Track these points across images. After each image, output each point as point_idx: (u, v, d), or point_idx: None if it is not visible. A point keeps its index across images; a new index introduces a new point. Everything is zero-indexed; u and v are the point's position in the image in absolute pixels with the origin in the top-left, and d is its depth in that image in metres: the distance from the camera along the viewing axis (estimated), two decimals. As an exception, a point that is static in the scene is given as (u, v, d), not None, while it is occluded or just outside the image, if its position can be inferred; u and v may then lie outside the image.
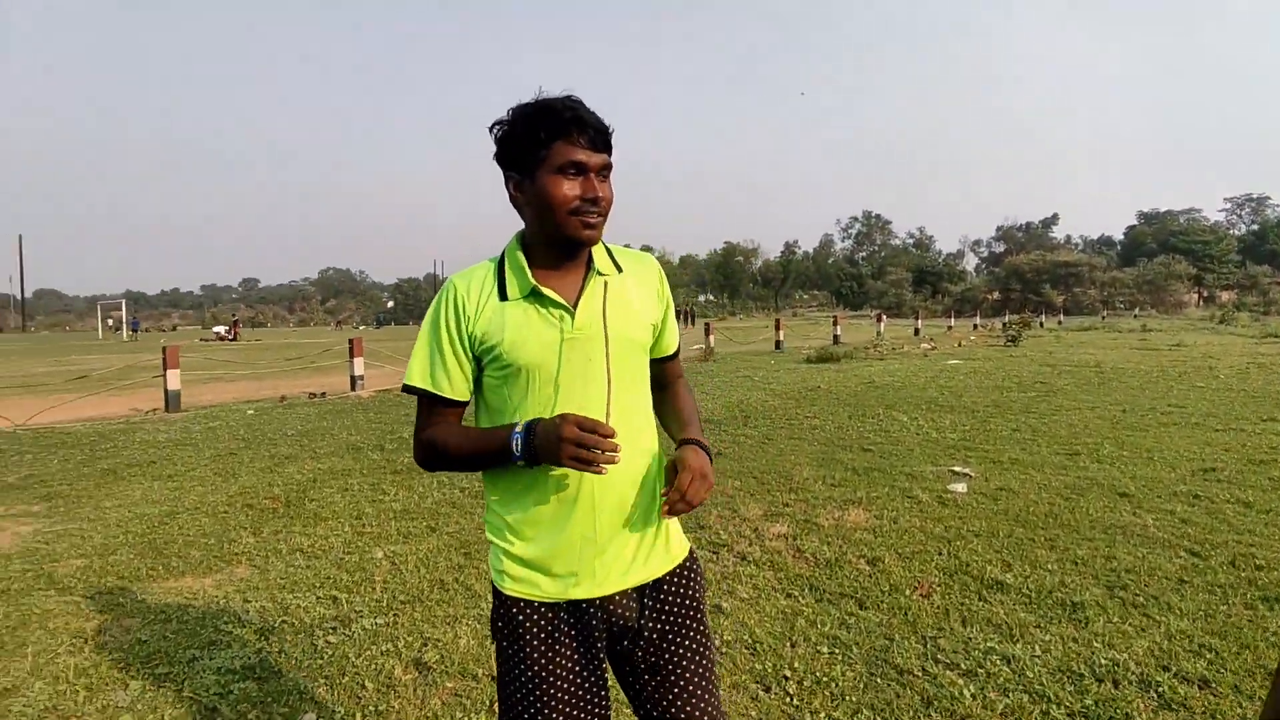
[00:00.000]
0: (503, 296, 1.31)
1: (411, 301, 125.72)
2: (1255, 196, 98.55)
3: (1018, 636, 2.91)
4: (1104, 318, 47.23)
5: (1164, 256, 67.85)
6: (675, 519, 1.42)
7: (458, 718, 2.46)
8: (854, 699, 2.50)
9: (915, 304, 61.76)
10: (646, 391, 1.42)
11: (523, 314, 1.30)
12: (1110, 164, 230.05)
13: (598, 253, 1.36)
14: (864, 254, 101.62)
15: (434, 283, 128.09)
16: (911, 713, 2.42)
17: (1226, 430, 7.17)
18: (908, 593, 3.36)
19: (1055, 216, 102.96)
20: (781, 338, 20.09)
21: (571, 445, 1.19)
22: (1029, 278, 64.83)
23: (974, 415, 8.29)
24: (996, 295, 65.89)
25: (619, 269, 1.39)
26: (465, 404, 1.37)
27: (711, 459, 1.36)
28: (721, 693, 1.80)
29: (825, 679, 2.63)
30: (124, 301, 58.41)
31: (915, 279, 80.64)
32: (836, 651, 2.83)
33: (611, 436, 1.21)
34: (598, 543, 1.31)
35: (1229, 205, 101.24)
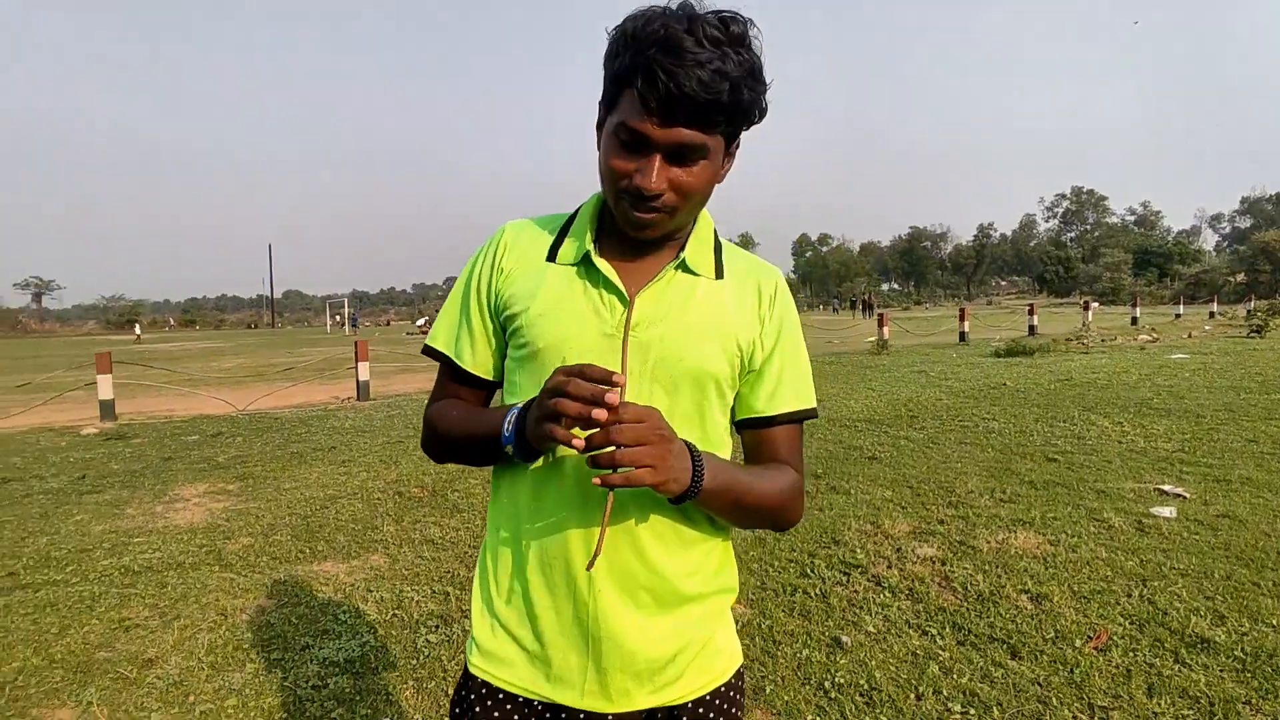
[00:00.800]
0: (550, 257, 0.99)
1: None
2: None
3: (1219, 714, 2.27)
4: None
5: None
6: (729, 618, 1.05)
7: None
8: (984, 779, 2.04)
9: (1136, 289, 54.39)
10: (709, 441, 0.99)
11: (565, 284, 0.97)
12: None
13: (697, 243, 1.00)
14: (1073, 234, 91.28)
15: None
16: (1060, 807, 1.93)
17: None
18: (1078, 644, 2.76)
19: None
20: (967, 329, 18.37)
21: (545, 401, 0.81)
22: (1285, 256, 54.68)
23: (1198, 421, 6.97)
24: (1241, 278, 56.31)
25: (719, 274, 1.01)
26: (489, 386, 1.06)
27: (702, 474, 0.87)
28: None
29: (951, 747, 2.18)
30: (346, 300, 66.12)
31: (1137, 261, 70.97)
32: (972, 712, 2.36)
33: (611, 383, 0.79)
34: (596, 632, 0.93)
35: None
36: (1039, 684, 2.51)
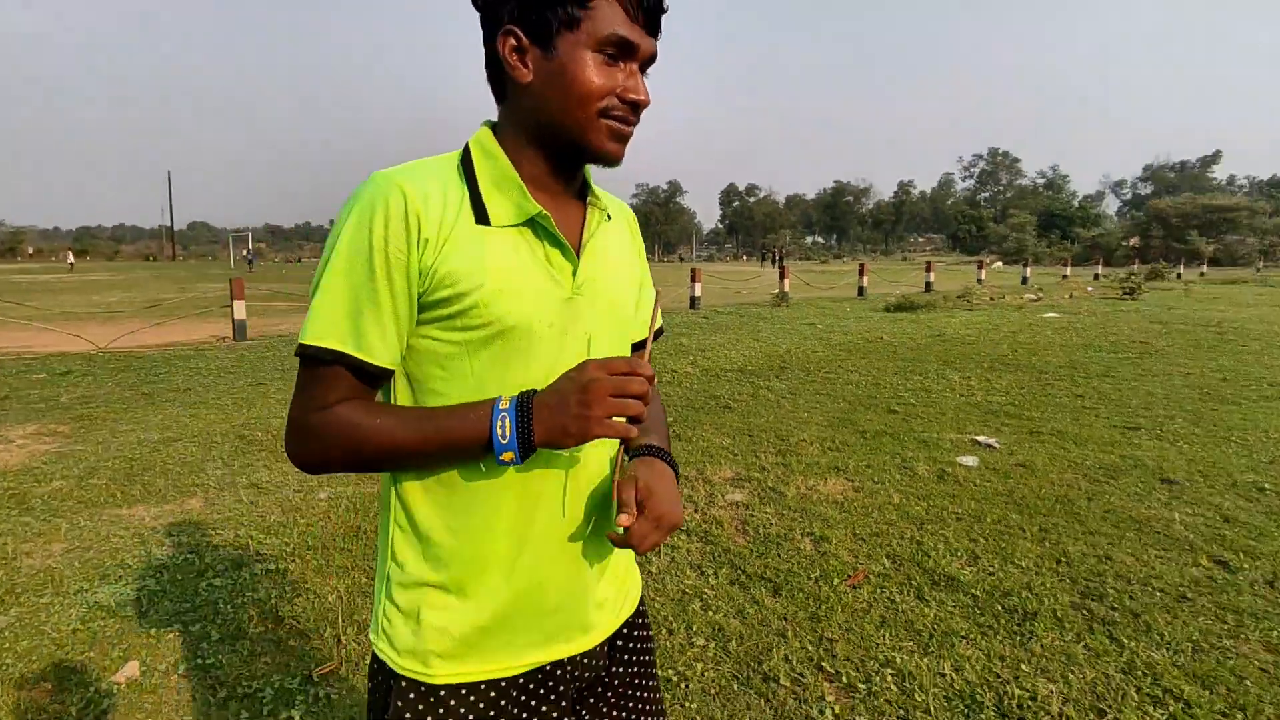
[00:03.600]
0: (480, 219, 0.87)
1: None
2: None
3: (933, 648, 2.48)
4: (1259, 270, 41.94)
5: (1347, 201, 59.16)
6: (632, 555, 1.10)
7: (274, 681, 2.33)
8: (694, 705, 2.18)
9: (1036, 250, 57.11)
10: None
11: (512, 250, 0.88)
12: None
13: (590, 183, 0.99)
14: (987, 195, 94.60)
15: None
16: (754, 731, 2.09)
17: (1345, 409, 6.07)
18: (836, 582, 2.96)
19: (1217, 154, 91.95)
20: (865, 284, 18.94)
21: (606, 399, 0.82)
22: (1174, 223, 58.20)
23: (1039, 377, 7.45)
24: (1134, 243, 59.83)
25: (606, 208, 1.00)
26: (388, 379, 0.91)
27: (678, 476, 1.00)
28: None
29: (679, 679, 2.32)
30: (249, 235, 62.90)
31: (1043, 222, 74.32)
32: (712, 645, 2.51)
33: (649, 376, 0.84)
34: (583, 580, 0.96)
35: None
36: (785, 619, 2.68)
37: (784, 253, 53.65)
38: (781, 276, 16.90)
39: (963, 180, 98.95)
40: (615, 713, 1.04)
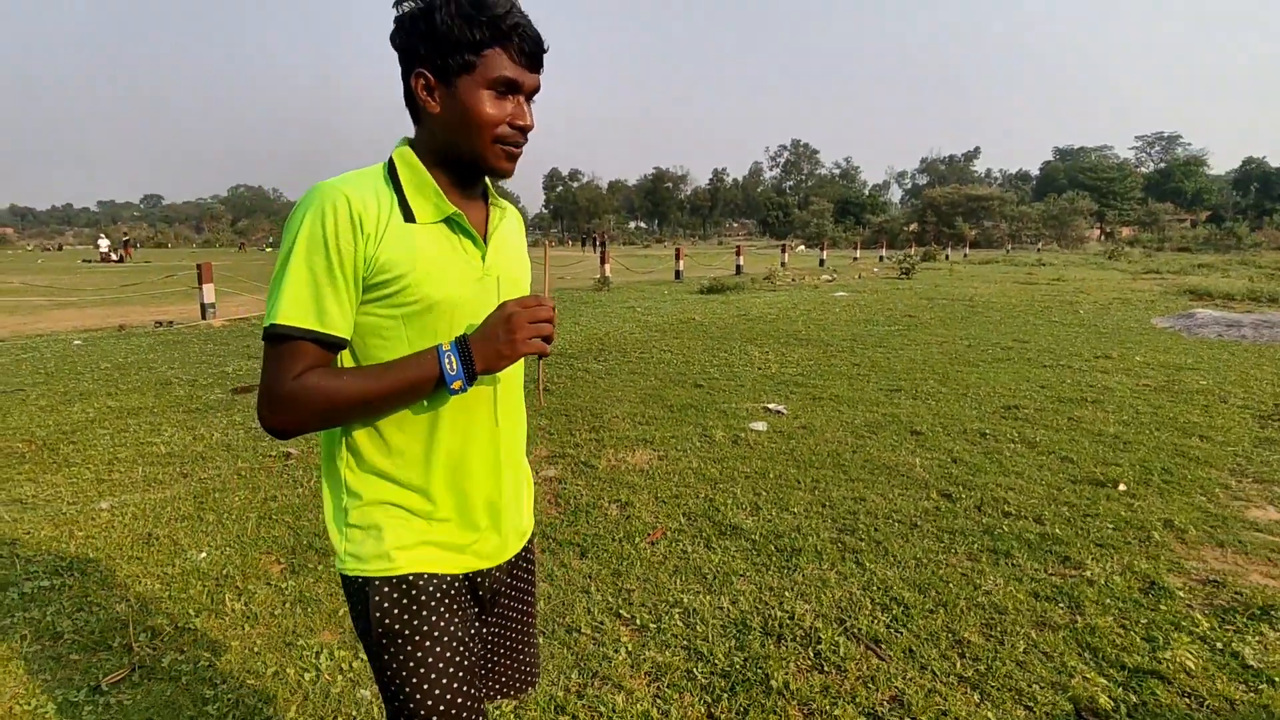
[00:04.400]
0: (408, 218, 1.08)
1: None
2: (1166, 135, 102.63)
3: (716, 587, 2.85)
4: (1008, 251, 48.84)
5: (1070, 192, 70.27)
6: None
7: (55, 696, 2.22)
8: (503, 662, 2.37)
9: (834, 235, 62.55)
10: None
11: (434, 242, 1.10)
12: (1030, 99, 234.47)
13: (488, 184, 1.22)
14: (791, 183, 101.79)
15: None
16: (556, 674, 2.31)
17: (1054, 367, 7.39)
18: (638, 541, 3.26)
19: (977, 150, 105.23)
20: (681, 267, 19.90)
21: (526, 324, 1.07)
22: (944, 210, 66.18)
23: (826, 349, 8.34)
24: (913, 228, 67.23)
25: (505, 207, 1.25)
26: (342, 349, 1.08)
27: None
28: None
29: (490, 640, 2.49)
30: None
31: (839, 209, 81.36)
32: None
33: (551, 306, 1.11)
34: (503, 506, 1.20)
35: (1140, 143, 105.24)
36: (589, 577, 2.94)
37: (606, 237, 54.55)
38: (602, 261, 17.32)
39: (770, 169, 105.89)
40: (503, 622, 1.30)
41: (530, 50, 1.08)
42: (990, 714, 2.12)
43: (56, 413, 5.61)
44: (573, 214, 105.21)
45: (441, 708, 1.11)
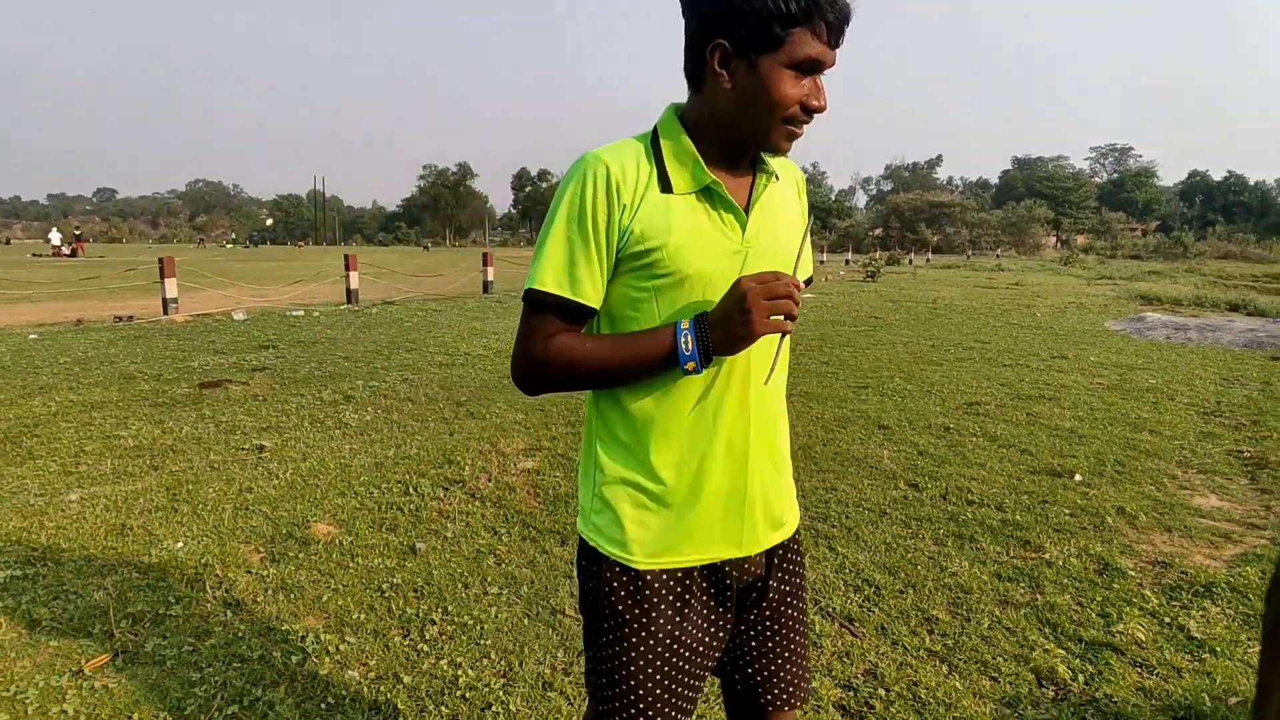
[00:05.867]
0: (665, 188, 1.05)
1: (293, 220, 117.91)
2: (1119, 147, 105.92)
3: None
4: (969, 256, 50.01)
5: (1028, 200, 72.23)
6: (793, 486, 1.29)
7: (36, 681, 2.21)
8: (489, 641, 2.42)
9: (802, 239, 63.25)
10: None
11: (691, 213, 1.06)
12: (990, 110, 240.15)
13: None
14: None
15: (317, 199, 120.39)
16: (542, 652, 2.37)
17: (1013, 366, 7.64)
18: (616, 528, 3.33)
19: (939, 158, 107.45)
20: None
21: (764, 301, 0.99)
22: (907, 216, 67.52)
23: (796, 349, 8.49)
24: (878, 232, 68.40)
25: (776, 176, 1.16)
26: (593, 318, 1.11)
27: None
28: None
29: (475, 622, 2.54)
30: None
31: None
32: (505, 592, 2.76)
33: (796, 287, 1.02)
34: (748, 493, 1.14)
35: (1094, 154, 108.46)
36: (571, 563, 2.99)
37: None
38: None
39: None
40: (769, 623, 1.23)
41: (840, 25, 1.02)
42: (958, 684, 2.24)
43: (16, 406, 5.48)
44: (542, 214, 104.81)
45: (640, 705, 1.12)
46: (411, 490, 3.76)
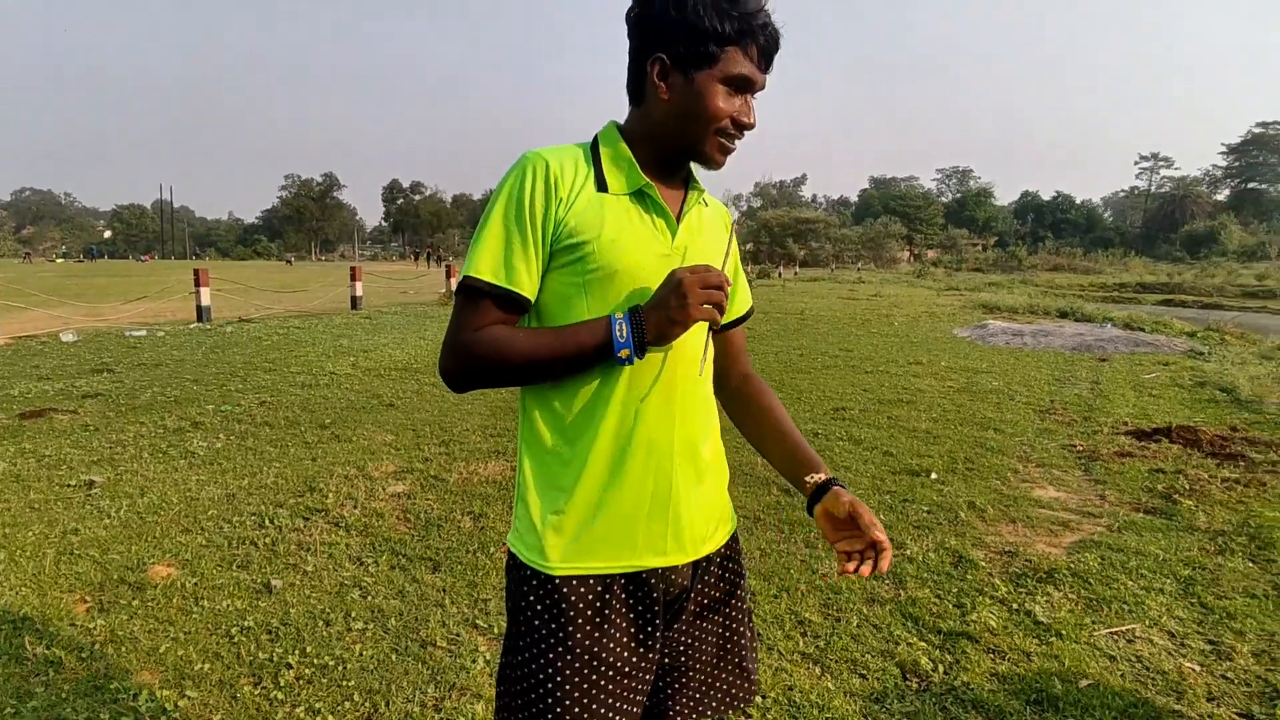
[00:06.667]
0: (600, 188, 1.08)
1: (135, 232, 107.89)
2: (961, 169, 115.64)
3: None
4: (832, 270, 52.94)
5: (884, 217, 77.50)
6: (725, 490, 1.26)
7: None
8: (352, 683, 2.26)
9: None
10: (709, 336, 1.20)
11: (624, 212, 1.09)
12: (850, 131, 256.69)
13: (693, 172, 1.19)
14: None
15: (164, 210, 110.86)
16: (411, 690, 2.24)
17: (875, 373, 8.10)
18: (493, 550, 3.22)
19: (804, 177, 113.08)
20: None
21: (698, 288, 1.00)
22: (776, 231, 70.63)
23: (672, 360, 8.61)
24: (750, 247, 71.09)
25: (705, 202, 1.21)
26: (526, 309, 1.09)
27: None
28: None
29: (337, 663, 2.36)
30: None
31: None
32: (371, 627, 2.59)
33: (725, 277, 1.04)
34: (672, 497, 1.11)
35: (940, 175, 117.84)
36: (444, 590, 2.86)
37: (441, 252, 53.29)
38: (448, 275, 16.90)
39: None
40: (701, 630, 1.19)
41: (769, 50, 1.10)
42: (830, 684, 2.30)
43: None
44: (415, 228, 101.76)
45: None
46: (267, 522, 3.48)
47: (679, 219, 1.14)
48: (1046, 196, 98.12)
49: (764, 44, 1.08)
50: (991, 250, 73.80)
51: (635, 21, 1.10)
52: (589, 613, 1.09)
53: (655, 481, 1.10)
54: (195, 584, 2.88)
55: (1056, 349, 10.47)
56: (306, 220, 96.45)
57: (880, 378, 7.77)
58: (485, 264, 1.06)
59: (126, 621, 2.59)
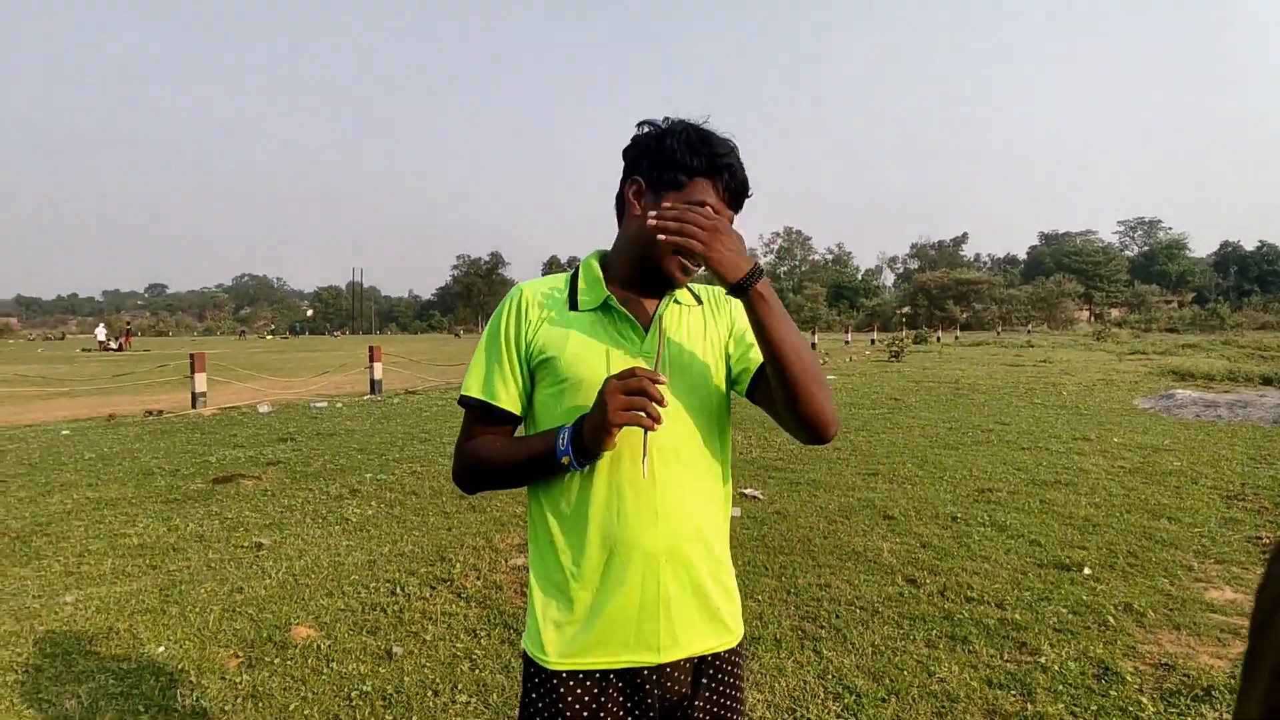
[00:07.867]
0: (573, 306, 1.23)
1: (332, 310, 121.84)
2: (1148, 220, 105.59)
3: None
4: (999, 333, 49.57)
5: (1057, 275, 71.93)
6: (735, 597, 1.28)
7: (-2, 797, 2.20)
8: (448, 757, 2.36)
9: (828, 319, 63.50)
10: (716, 434, 1.25)
11: (591, 326, 1.22)
12: (1014, 186, 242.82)
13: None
14: (785, 268, 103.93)
15: (355, 291, 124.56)
16: (501, 770, 2.30)
17: (1032, 449, 7.46)
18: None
19: (965, 235, 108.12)
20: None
21: (619, 395, 1.06)
22: (935, 294, 67.50)
23: (807, 434, 8.39)
24: (907, 310, 68.34)
25: (699, 301, 1.32)
26: (519, 420, 1.25)
27: (759, 267, 1.15)
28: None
29: (438, 734, 2.48)
30: None
31: (833, 294, 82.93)
32: (474, 700, 2.70)
33: (657, 381, 1.07)
34: (662, 602, 1.17)
35: (1122, 228, 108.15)
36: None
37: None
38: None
39: (764, 255, 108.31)
40: None
41: (734, 190, 1.22)
42: (932, 806, 2.11)
43: (35, 504, 5.63)
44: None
45: None
46: (398, 590, 3.75)
47: (648, 327, 1.23)
48: (1249, 247, 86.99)
49: (728, 182, 1.20)
50: (1188, 308, 66.13)
51: (625, 151, 1.26)
52: (580, 709, 1.15)
53: (643, 584, 1.16)
54: (329, 645, 3.14)
55: (1255, 422, 9.13)
56: (474, 296, 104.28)
57: (1038, 455, 7.14)
58: (474, 383, 1.23)
59: (268, 679, 2.88)
